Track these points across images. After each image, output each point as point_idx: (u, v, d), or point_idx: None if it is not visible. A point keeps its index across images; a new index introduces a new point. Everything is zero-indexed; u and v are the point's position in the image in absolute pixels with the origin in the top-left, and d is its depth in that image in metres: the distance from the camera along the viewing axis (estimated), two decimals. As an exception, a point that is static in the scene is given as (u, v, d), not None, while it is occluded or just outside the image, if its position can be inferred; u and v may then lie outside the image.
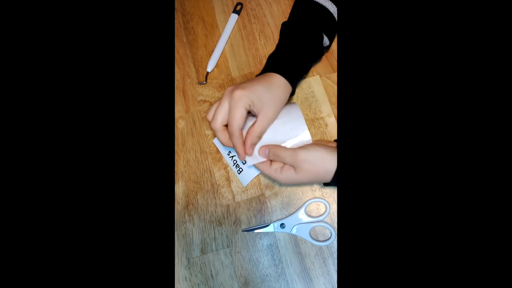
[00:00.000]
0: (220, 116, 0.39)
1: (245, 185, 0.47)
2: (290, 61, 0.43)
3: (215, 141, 0.50)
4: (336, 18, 0.46)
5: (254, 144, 0.40)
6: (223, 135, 0.40)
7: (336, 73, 0.50)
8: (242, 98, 0.37)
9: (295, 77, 0.43)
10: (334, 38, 0.49)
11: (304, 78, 0.50)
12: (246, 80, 0.52)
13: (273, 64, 0.43)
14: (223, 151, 0.49)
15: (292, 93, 0.46)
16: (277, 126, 0.41)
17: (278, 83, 0.41)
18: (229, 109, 0.38)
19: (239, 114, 0.37)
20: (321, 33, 0.45)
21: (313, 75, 0.50)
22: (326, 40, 0.46)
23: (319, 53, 0.48)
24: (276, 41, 0.53)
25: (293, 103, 0.45)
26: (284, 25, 0.47)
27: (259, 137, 0.40)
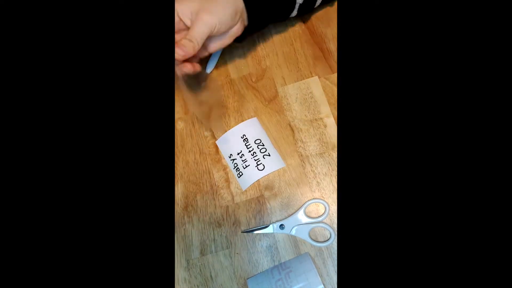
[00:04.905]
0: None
1: (244, 189, 0.47)
2: None
3: (218, 142, 0.50)
4: None
5: (188, 41, 0.39)
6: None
7: (334, 74, 0.50)
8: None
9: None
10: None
11: (262, 26, 0.48)
12: (245, 81, 0.53)
13: None
14: (225, 154, 0.49)
15: (248, 31, 0.44)
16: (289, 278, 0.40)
17: None
18: None
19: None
20: None
21: (312, 76, 0.50)
22: None
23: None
24: (275, 42, 0.53)
25: (305, 253, 0.43)
26: None
27: (196, 40, 0.39)
